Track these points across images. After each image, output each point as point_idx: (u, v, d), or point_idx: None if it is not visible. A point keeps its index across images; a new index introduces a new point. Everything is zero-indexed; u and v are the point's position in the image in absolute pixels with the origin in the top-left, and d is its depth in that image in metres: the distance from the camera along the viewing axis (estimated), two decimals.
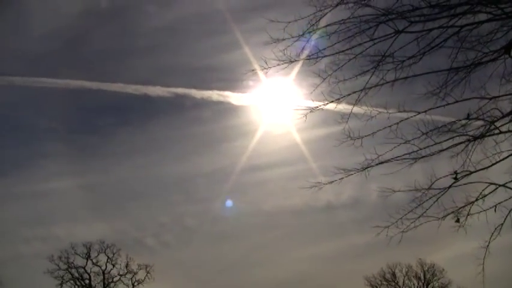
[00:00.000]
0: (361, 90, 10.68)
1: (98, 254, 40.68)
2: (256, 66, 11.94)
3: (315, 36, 10.71)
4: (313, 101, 12.02)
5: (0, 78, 38.33)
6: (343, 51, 10.87)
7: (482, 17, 10.26)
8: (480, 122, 10.64)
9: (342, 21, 10.51)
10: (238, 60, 42.55)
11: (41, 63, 42.68)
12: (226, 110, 42.01)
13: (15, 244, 40.73)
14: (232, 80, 40.84)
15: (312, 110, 10.82)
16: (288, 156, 41.76)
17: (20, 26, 40.81)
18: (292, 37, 10.44)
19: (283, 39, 10.40)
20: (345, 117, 11.17)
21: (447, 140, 10.78)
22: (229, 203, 41.42)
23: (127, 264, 40.95)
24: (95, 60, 43.47)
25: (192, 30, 43.62)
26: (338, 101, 10.41)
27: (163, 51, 44.03)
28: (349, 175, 10.63)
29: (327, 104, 10.51)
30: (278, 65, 10.70)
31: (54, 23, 42.16)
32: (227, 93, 38.97)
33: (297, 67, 11.84)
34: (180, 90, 39.39)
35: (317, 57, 10.97)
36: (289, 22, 10.58)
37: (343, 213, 44.19)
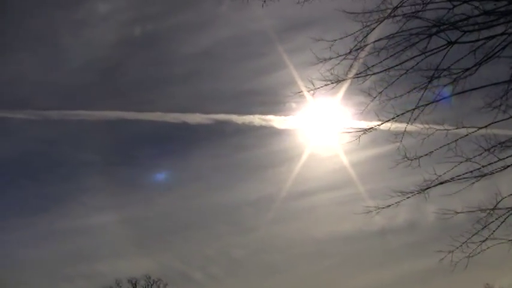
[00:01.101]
0: (416, 107, 10.68)
1: None
2: (300, 87, 12.14)
3: (362, 54, 10.83)
4: (360, 120, 12.09)
5: (36, 113, 39.45)
6: (393, 67, 10.92)
7: None
8: None
9: (390, 36, 10.59)
10: (280, 82, 42.82)
11: (77, 95, 44.29)
12: (269, 134, 41.90)
13: (58, 282, 41.75)
14: (275, 103, 40.51)
15: (365, 131, 10.83)
16: (336, 180, 41.21)
17: (54, 60, 42.88)
18: (339, 55, 10.62)
19: (330, 59, 10.58)
20: (398, 136, 11.14)
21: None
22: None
23: None
24: (131, 89, 44.61)
25: (229, 54, 44.23)
26: (393, 120, 10.41)
27: (201, 77, 44.62)
28: (407, 197, 10.57)
29: (382, 124, 10.53)
30: (326, 85, 10.85)
31: (88, 55, 43.79)
32: (270, 117, 38.88)
33: (345, 86, 11.97)
34: (221, 117, 39.60)
35: (366, 75, 11.06)
36: (335, 40, 10.77)
37: (398, 237, 43.11)
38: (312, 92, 11.45)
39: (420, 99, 10.94)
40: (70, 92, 43.49)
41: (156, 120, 39.97)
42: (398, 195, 10.85)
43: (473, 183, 10.74)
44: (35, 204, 41.05)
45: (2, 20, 41.34)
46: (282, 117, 37.97)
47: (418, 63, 10.84)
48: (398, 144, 11.12)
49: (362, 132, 10.86)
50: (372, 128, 10.83)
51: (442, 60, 10.71)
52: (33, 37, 42.92)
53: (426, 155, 10.73)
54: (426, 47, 10.49)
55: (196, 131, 42.82)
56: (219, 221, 42.38)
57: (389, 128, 10.93)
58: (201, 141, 44.92)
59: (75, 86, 43.21)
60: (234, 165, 44.17)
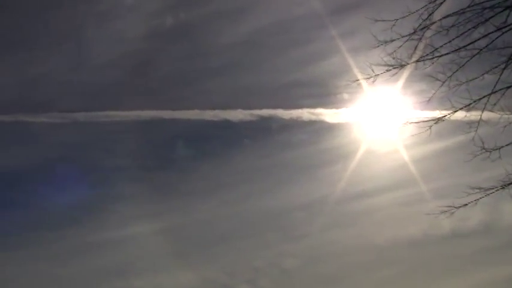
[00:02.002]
0: (492, 92, 10.43)
1: None
2: (354, 76, 12.04)
3: (428, 33, 10.67)
4: (424, 110, 11.87)
5: (61, 115, 39.64)
6: (464, 46, 10.72)
7: None
8: None
9: (460, 11, 10.39)
10: (329, 72, 42.47)
11: (105, 95, 43.88)
12: (320, 130, 41.33)
13: None
14: (325, 95, 39.96)
15: (437, 121, 10.65)
16: (397, 178, 40.37)
17: (79, 57, 43.08)
18: (402, 36, 10.50)
19: (392, 40, 10.47)
20: (472, 125, 10.90)
21: None
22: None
23: None
24: (164, 86, 44.51)
25: (271, 43, 43.95)
26: (467, 107, 10.20)
27: (242, 70, 44.55)
28: (487, 195, 10.34)
29: (455, 112, 10.34)
30: (387, 70, 10.76)
31: (115, 50, 43.78)
32: (320, 110, 38.60)
33: (407, 72, 11.79)
34: (265, 112, 39.54)
35: (433, 58, 10.90)
36: (397, 19, 10.65)
37: (472, 242, 41.90)
38: (370, 79, 11.38)
39: (497, 82, 10.72)
40: (97, 91, 43.07)
41: (194, 118, 40.16)
42: (476, 192, 10.65)
43: None
44: (63, 215, 41.31)
45: (19, 17, 41.99)
46: (334, 110, 37.68)
47: (493, 41, 10.61)
48: (471, 134, 10.90)
49: (434, 122, 10.70)
50: (444, 117, 10.65)
51: None
52: (54, 33, 42.87)
53: (508, 145, 10.50)
54: (506, 21, 10.26)
55: (238, 128, 42.62)
56: (267, 228, 42.11)
57: (463, 116, 10.77)
58: (244, 140, 44.64)
59: (103, 85, 42.77)
60: (281, 166, 43.78)
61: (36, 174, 42.63)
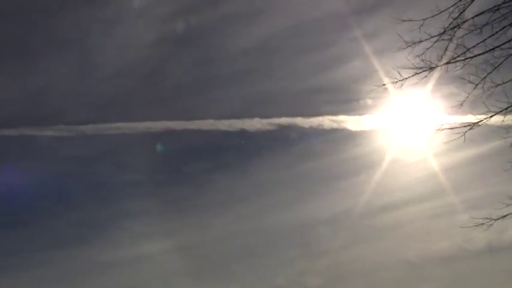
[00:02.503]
0: None
1: None
2: (378, 79, 11.94)
3: (460, 33, 10.55)
4: (453, 115, 11.73)
5: (68, 128, 39.37)
6: (498, 46, 10.60)
7: None
8: None
9: (494, 8, 10.29)
10: (351, 76, 42.08)
11: (114, 106, 44.15)
12: (342, 138, 41.05)
13: None
14: (347, 101, 39.78)
15: (472, 126, 10.46)
16: (426, 189, 39.94)
17: (85, 66, 43.05)
18: (432, 36, 10.40)
19: (420, 41, 10.38)
20: (510, 130, 10.74)
21: None
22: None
23: None
24: (176, 95, 44.51)
25: (289, 47, 43.83)
26: (506, 111, 10.05)
27: (257, 76, 44.45)
28: None
29: (492, 116, 10.18)
30: (416, 74, 10.66)
31: (123, 58, 43.84)
32: (342, 117, 38.38)
33: (436, 74, 11.66)
34: (283, 121, 39.39)
35: (465, 59, 10.78)
36: (425, 19, 10.56)
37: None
38: (397, 83, 11.28)
39: None
40: (105, 102, 43.77)
41: (208, 129, 40.14)
42: None
43: None
44: (72, 233, 41.36)
45: (20, 24, 42.22)
46: (356, 117, 37.30)
47: None
48: (508, 140, 10.75)
49: (469, 128, 10.54)
50: (480, 121, 10.49)
51: None
52: (58, 41, 42.91)
53: None
54: None
55: (255, 139, 42.47)
56: (288, 244, 41.88)
57: (500, 121, 10.61)
58: (261, 150, 44.38)
59: (111, 95, 43.51)
60: (302, 177, 43.57)
61: (42, 190, 42.84)
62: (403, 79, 10.98)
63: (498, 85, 10.65)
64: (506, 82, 10.56)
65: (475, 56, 10.48)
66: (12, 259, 39.51)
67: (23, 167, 42.17)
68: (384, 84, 11.53)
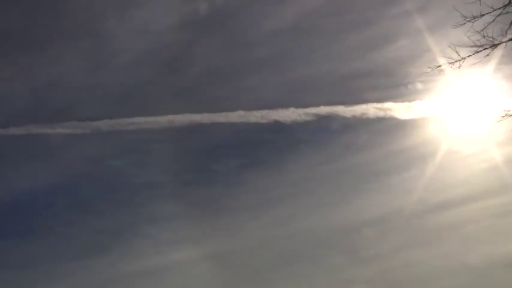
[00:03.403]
0: None
1: None
2: (431, 60, 11.81)
3: None
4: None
5: (82, 125, 40.05)
6: None
7: None
8: None
9: None
10: (398, 57, 41.29)
11: (131, 99, 43.77)
12: (389, 128, 40.68)
13: None
14: (393, 86, 39.47)
15: None
16: (488, 184, 39.35)
17: (99, 55, 42.68)
18: (494, 9, 10.23)
19: (482, 15, 10.21)
20: None
21: None
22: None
23: None
24: (201, 85, 44.42)
25: (325, 27, 43.48)
26: None
27: (291, 61, 44.30)
28: None
29: None
30: (477, 52, 10.51)
31: (141, 45, 43.75)
32: (388, 104, 38.10)
33: (499, 52, 11.44)
34: (323, 110, 39.22)
35: None
36: None
37: None
38: (454, 64, 11.14)
39: None
40: (122, 94, 43.88)
41: (239, 121, 40.11)
42: None
43: None
44: (90, 242, 41.02)
45: (25, 12, 42.66)
46: (405, 103, 37.09)
47: None
48: None
49: None
50: None
51: None
52: (69, 29, 42.99)
53: None
54: None
55: (291, 131, 42.34)
56: (332, 249, 41.65)
57: None
58: (299, 144, 44.20)
59: (128, 87, 43.64)
60: (345, 173, 43.31)
61: (55, 195, 42.93)
62: (460, 59, 10.84)
63: None
64: None
65: None
66: (26, 272, 39.36)
67: (32, 170, 42.65)
68: (439, 66, 11.40)
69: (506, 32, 10.38)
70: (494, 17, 10.23)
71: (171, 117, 40.15)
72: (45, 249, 40.91)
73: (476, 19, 10.24)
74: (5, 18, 42.01)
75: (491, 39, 10.48)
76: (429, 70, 11.63)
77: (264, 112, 40.63)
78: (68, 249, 41.21)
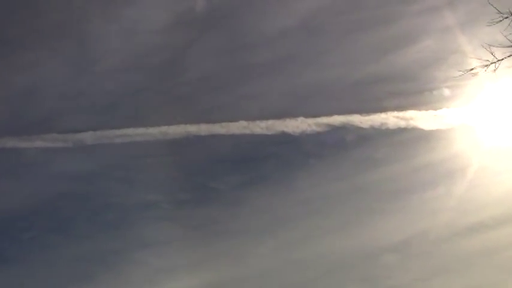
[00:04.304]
0: None
1: None
2: (461, 63, 11.74)
3: None
4: None
5: (63, 137, 40.12)
6: None
7: None
8: None
9: None
10: (421, 60, 41.17)
11: (120, 108, 43.72)
12: (412, 140, 40.67)
13: None
14: (416, 92, 39.52)
15: None
16: None
17: (84, 59, 42.52)
18: None
19: None
20: None
21: None
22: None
23: None
24: (198, 92, 44.32)
25: (336, 26, 43.59)
26: None
27: (299, 64, 44.29)
28: None
29: None
30: None
31: (132, 48, 43.87)
32: (410, 113, 38.14)
33: None
34: (336, 120, 39.25)
35: None
36: None
37: None
38: (488, 67, 11.08)
39: None
40: (109, 103, 43.57)
41: (241, 133, 40.14)
42: None
43: None
44: (74, 269, 40.67)
45: (6, 10, 42.84)
46: (430, 112, 37.33)
47: None
48: None
49: None
50: None
51: None
52: (48, 27, 42.79)
53: None
54: None
55: (300, 143, 42.41)
56: (347, 278, 41.60)
57: None
58: (309, 158, 44.27)
59: (116, 94, 43.45)
60: (361, 192, 43.23)
61: (33, 217, 42.78)
62: (496, 61, 10.77)
63: None
64: None
65: None
66: None
67: (6, 189, 42.34)
68: (470, 69, 11.33)
69: None
70: None
71: (164, 128, 40.31)
72: (21, 278, 40.45)
73: None
74: None
75: None
76: (458, 74, 11.56)
77: (270, 122, 40.69)
78: (48, 279, 41.10)
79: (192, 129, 40.49)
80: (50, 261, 41.73)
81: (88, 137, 40.12)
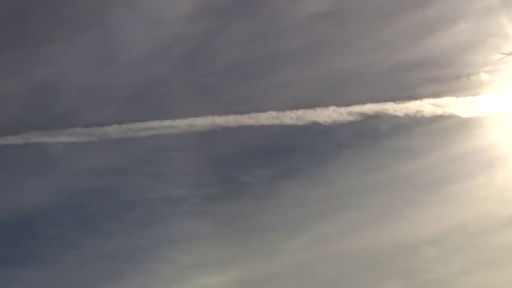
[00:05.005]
0: None
1: None
2: (499, 47, 12.51)
3: None
4: None
5: (87, 131, 41.03)
6: None
7: None
8: None
9: None
10: (458, 44, 41.22)
11: (144, 100, 44.63)
12: (449, 128, 40.69)
13: None
14: (453, 78, 39.54)
15: None
16: None
17: (105, 50, 44.46)
18: None
19: None
20: None
21: None
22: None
23: None
24: (225, 82, 44.17)
25: (369, 11, 43.92)
26: None
27: (331, 51, 44.34)
28: None
29: None
30: None
31: (154, 38, 43.34)
32: (447, 100, 38.58)
33: None
34: (369, 108, 39.69)
35: None
36: None
37: None
38: None
39: None
40: (133, 95, 44.48)
41: (270, 124, 40.14)
42: None
43: None
44: (100, 268, 42.16)
45: (21, 3, 43.35)
46: (468, 98, 38.19)
47: None
48: None
49: None
50: None
51: None
52: (69, 21, 43.84)
53: None
54: None
55: (332, 133, 42.44)
56: (385, 273, 41.78)
57: None
58: (342, 149, 44.09)
59: (141, 86, 44.32)
60: (397, 183, 43.20)
61: (58, 214, 43.71)
62: None
63: None
64: None
65: None
66: None
67: (31, 185, 43.60)
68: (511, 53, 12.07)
69: None
70: None
71: (190, 120, 41.29)
72: (47, 277, 41.56)
73: None
74: None
75: None
76: (498, 58, 12.27)
77: (300, 112, 41.03)
78: (75, 277, 41.75)
79: (220, 120, 41.22)
80: (76, 258, 42.35)
81: (113, 131, 40.93)
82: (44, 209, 43.20)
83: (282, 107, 41.41)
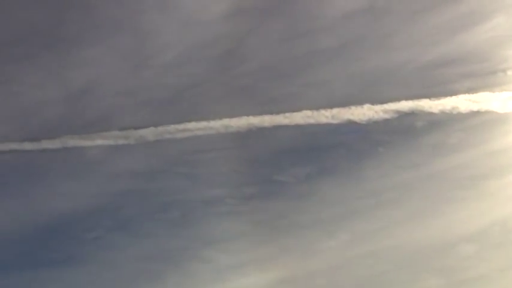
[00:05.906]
0: None
1: None
2: None
3: None
4: None
5: (124, 134, 43.02)
6: None
7: None
8: None
9: None
10: (493, 38, 44.32)
11: (180, 102, 46.27)
12: (486, 124, 41.95)
13: None
14: (489, 73, 42.45)
15: None
16: None
17: (140, 53, 46.50)
18: None
19: None
20: None
21: None
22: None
23: None
24: (259, 82, 47.28)
25: (403, 7, 45.38)
26: None
27: (365, 49, 45.05)
28: None
29: None
30: None
31: (189, 39, 46.62)
32: (483, 95, 40.15)
33: None
34: (404, 105, 40.80)
35: None
36: None
37: None
38: None
39: None
40: (169, 97, 46.38)
41: (305, 123, 43.23)
42: None
43: None
44: (139, 269, 44.38)
45: (54, 5, 45.45)
46: (504, 93, 40.41)
47: None
48: None
49: None
50: None
51: None
52: (104, 24, 46.52)
53: None
54: None
55: (367, 131, 43.38)
56: (424, 270, 40.25)
57: None
58: (378, 146, 44.36)
59: (176, 88, 46.17)
60: (435, 180, 43.71)
61: (96, 216, 45.97)
62: None
63: None
64: None
65: None
66: None
67: (68, 188, 45.77)
68: None
69: None
70: None
71: (226, 121, 43.79)
72: (86, 278, 43.68)
73: None
74: (31, 14, 45.34)
75: None
76: None
77: (335, 111, 42.60)
78: (113, 279, 43.88)
79: (255, 121, 43.55)
80: (115, 260, 44.63)
81: (149, 133, 43.33)
82: (83, 212, 45.24)
83: (316, 106, 43.39)
